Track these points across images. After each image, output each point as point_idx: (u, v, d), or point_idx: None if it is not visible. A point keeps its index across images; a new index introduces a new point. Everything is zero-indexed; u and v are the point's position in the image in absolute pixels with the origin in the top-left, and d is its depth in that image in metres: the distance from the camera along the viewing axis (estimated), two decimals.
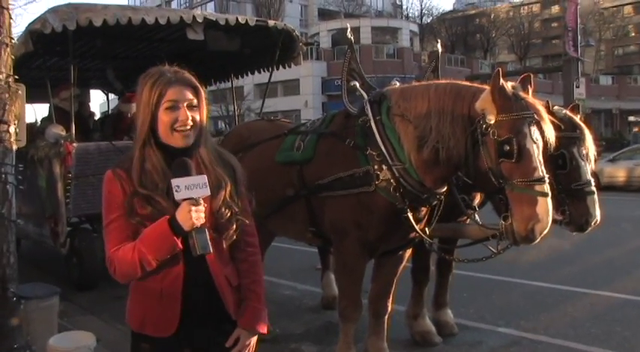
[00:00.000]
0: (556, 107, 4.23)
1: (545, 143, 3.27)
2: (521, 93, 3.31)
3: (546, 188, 3.16)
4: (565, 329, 5.27)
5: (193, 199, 1.95)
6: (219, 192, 2.11)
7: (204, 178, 1.98)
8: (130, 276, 2.08)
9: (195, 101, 2.12)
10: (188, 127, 2.08)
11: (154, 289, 2.11)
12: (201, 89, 2.17)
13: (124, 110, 7.85)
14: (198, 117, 2.12)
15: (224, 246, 2.16)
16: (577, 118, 4.24)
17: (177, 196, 1.94)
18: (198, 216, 1.95)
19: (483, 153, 3.26)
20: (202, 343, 2.17)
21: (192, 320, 2.13)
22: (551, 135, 3.28)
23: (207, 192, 1.98)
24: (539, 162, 3.19)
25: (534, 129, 3.20)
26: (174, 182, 1.95)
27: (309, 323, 5.63)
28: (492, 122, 3.21)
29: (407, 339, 4.96)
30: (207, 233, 1.98)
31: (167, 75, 2.12)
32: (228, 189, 2.14)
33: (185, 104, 2.09)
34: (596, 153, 4.26)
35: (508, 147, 3.15)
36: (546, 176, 3.20)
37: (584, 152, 4.13)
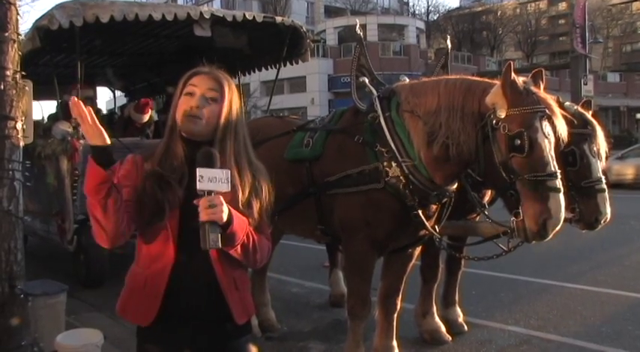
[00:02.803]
0: (567, 103, 4.19)
1: (558, 138, 3.23)
2: (533, 88, 3.27)
3: (558, 183, 3.12)
4: (575, 327, 5.23)
5: (212, 192, 1.92)
6: (234, 200, 2.07)
7: (227, 173, 1.93)
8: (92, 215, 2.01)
9: (216, 94, 2.11)
10: (196, 113, 2.07)
11: (141, 275, 2.11)
12: (227, 87, 2.14)
13: (135, 119, 7.80)
14: (215, 111, 2.10)
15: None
16: (588, 115, 4.19)
17: (199, 186, 1.91)
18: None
19: (494, 148, 3.22)
20: (203, 343, 2.14)
21: (187, 322, 2.09)
22: (563, 130, 3.24)
23: (228, 188, 1.93)
24: (551, 157, 3.15)
25: (546, 124, 3.16)
26: (199, 171, 1.91)
27: (317, 321, 5.60)
28: (503, 116, 3.17)
29: (416, 337, 4.93)
30: (219, 229, 1.93)
31: (200, 67, 2.17)
32: (242, 197, 2.09)
33: (201, 91, 2.09)
34: (607, 150, 4.22)
35: (519, 142, 3.11)
36: (558, 171, 3.16)
37: (595, 149, 4.09)
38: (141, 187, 2.06)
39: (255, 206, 2.13)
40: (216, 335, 2.15)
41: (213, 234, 1.91)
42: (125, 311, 2.17)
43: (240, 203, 2.07)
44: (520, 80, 3.26)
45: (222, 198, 1.91)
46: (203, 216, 1.89)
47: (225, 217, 1.91)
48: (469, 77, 3.66)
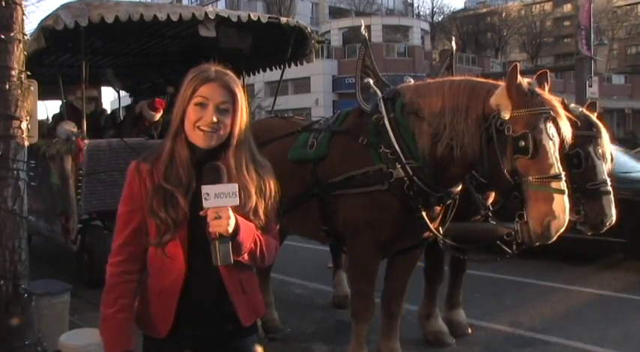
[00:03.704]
0: (572, 105, 4.18)
1: (562, 140, 3.21)
2: (537, 90, 3.26)
3: (563, 185, 3.11)
4: (579, 331, 5.20)
5: (221, 207, 1.88)
6: (244, 206, 2.04)
7: (234, 187, 1.91)
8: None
9: (228, 105, 2.05)
10: (211, 128, 2.02)
11: (155, 287, 2.09)
12: (239, 95, 2.08)
13: (147, 116, 7.80)
14: (227, 122, 2.05)
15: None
16: (593, 116, 4.18)
17: (206, 204, 1.87)
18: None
19: (498, 149, 3.21)
20: (203, 343, 2.13)
21: (191, 322, 2.08)
22: (567, 132, 3.23)
23: (236, 201, 1.91)
24: (556, 158, 3.14)
25: (550, 125, 3.14)
26: (205, 189, 1.88)
27: (320, 323, 5.59)
28: (507, 118, 3.16)
29: (419, 339, 4.92)
30: (230, 243, 1.90)
31: (208, 72, 2.06)
32: (252, 204, 2.07)
33: (214, 104, 2.02)
34: (612, 153, 4.20)
35: (523, 143, 3.10)
36: (563, 173, 3.15)
37: (600, 151, 4.07)
38: (148, 207, 2.04)
39: (262, 206, 2.11)
40: (222, 336, 2.14)
41: (224, 250, 1.89)
42: (140, 324, 2.14)
43: (246, 206, 2.04)
44: (525, 81, 3.25)
45: (230, 210, 1.89)
46: (210, 226, 1.88)
47: (231, 229, 1.89)
48: (474, 78, 3.65)
